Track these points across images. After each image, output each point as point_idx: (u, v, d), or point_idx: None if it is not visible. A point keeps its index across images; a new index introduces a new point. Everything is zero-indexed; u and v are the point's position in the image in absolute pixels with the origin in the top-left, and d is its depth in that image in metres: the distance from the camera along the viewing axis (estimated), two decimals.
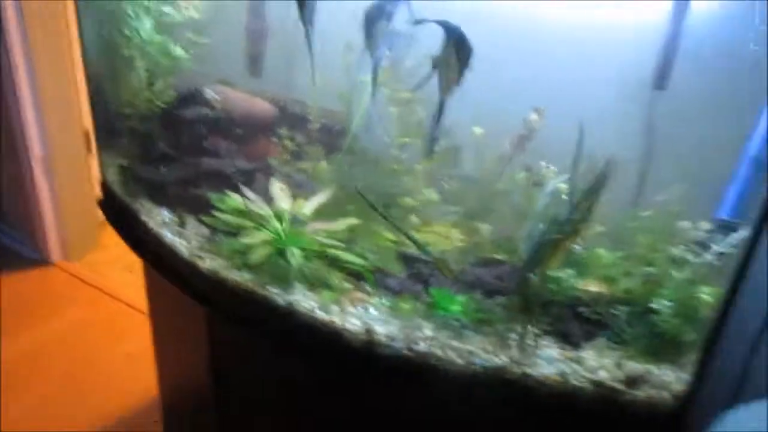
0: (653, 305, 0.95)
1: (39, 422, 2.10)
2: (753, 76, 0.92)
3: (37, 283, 2.75)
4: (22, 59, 2.39)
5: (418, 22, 0.94)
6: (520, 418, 1.01)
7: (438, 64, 0.95)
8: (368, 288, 1.10)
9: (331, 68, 1.19)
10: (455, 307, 1.03)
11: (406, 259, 1.13)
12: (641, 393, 0.95)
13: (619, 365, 0.98)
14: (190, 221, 1.24)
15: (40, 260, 2.83)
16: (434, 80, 1.00)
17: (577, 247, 1.00)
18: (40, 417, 2.12)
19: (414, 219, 1.17)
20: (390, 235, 1.14)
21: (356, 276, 1.11)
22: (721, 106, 0.99)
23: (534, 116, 1.12)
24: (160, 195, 1.30)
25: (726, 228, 0.93)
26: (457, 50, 0.92)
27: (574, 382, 0.96)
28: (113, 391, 2.24)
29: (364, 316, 1.06)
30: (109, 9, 1.23)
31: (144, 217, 1.30)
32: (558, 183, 1.00)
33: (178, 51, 1.21)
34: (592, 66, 1.08)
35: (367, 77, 1.18)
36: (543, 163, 1.08)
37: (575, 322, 1.01)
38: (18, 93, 2.44)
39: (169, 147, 1.30)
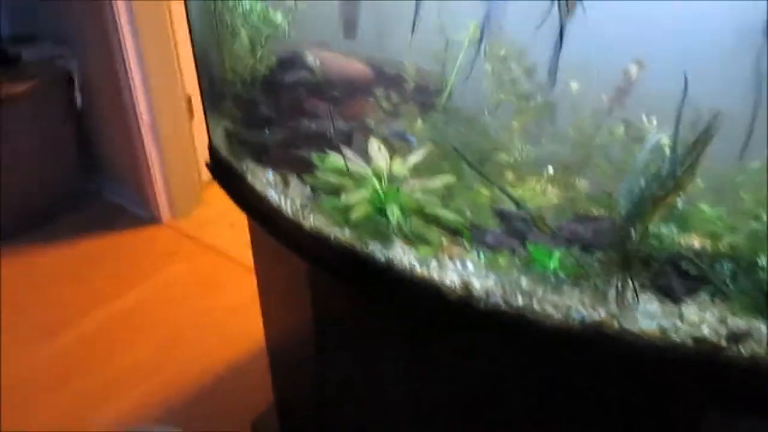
0: (759, 261, 0.93)
1: (148, 370, 2.28)
2: None
3: (148, 239, 2.96)
4: (130, 34, 2.54)
5: None
6: (618, 373, 1.03)
7: None
8: (465, 243, 1.13)
9: (424, 28, 1.21)
10: (552, 262, 1.04)
11: (502, 215, 1.14)
12: (745, 349, 0.94)
13: (722, 321, 0.97)
14: (293, 181, 1.30)
15: (150, 218, 3.03)
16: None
17: (679, 201, 0.98)
18: (149, 365, 2.31)
19: (509, 175, 1.18)
20: (486, 191, 1.16)
21: (453, 232, 1.14)
22: None
23: (633, 68, 1.09)
24: (264, 156, 1.37)
25: None
26: None
27: (675, 338, 0.96)
28: (216, 341, 2.40)
29: (461, 270, 1.09)
30: None
31: (250, 178, 1.38)
32: (659, 137, 0.99)
33: (278, 17, 1.26)
34: (698, 13, 1.04)
35: (461, 36, 1.19)
36: (643, 117, 1.06)
37: (676, 277, 1.00)
38: (127, 66, 2.60)
39: (271, 110, 1.36)
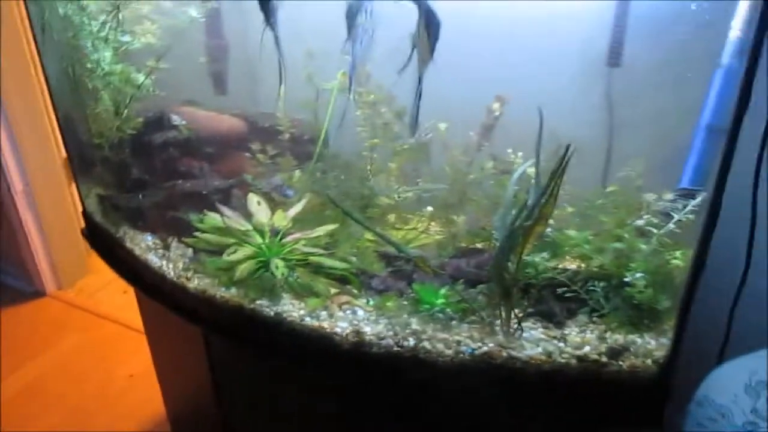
0: (627, 278, 0.98)
1: None
2: (699, 47, 0.95)
3: (33, 314, 2.75)
4: None
5: None
6: (510, 399, 1.04)
7: (414, 40, 0.98)
8: (353, 290, 1.12)
9: (292, 78, 1.21)
10: (439, 300, 1.05)
11: (388, 258, 1.15)
12: (625, 363, 0.98)
13: (601, 339, 1.01)
14: (174, 243, 1.25)
15: (33, 291, 2.83)
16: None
17: (548, 229, 1.02)
18: None
19: (392, 217, 1.20)
20: (370, 236, 1.17)
21: (341, 280, 1.13)
22: (674, 78, 1.02)
23: (496, 105, 1.14)
24: (140, 221, 1.32)
25: (688, 196, 0.96)
26: (426, 24, 0.95)
27: (560, 360, 0.99)
28: (120, 414, 2.25)
29: (352, 318, 1.08)
30: (68, 43, 1.24)
31: (128, 244, 1.32)
32: (524, 169, 1.03)
33: (140, 78, 1.22)
34: (548, 53, 1.10)
35: (330, 84, 1.21)
36: (509, 151, 1.10)
37: (555, 301, 1.04)
38: None
39: (143, 173, 1.32)
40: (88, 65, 1.22)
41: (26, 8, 1.29)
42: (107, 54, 1.20)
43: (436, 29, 0.92)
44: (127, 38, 1.19)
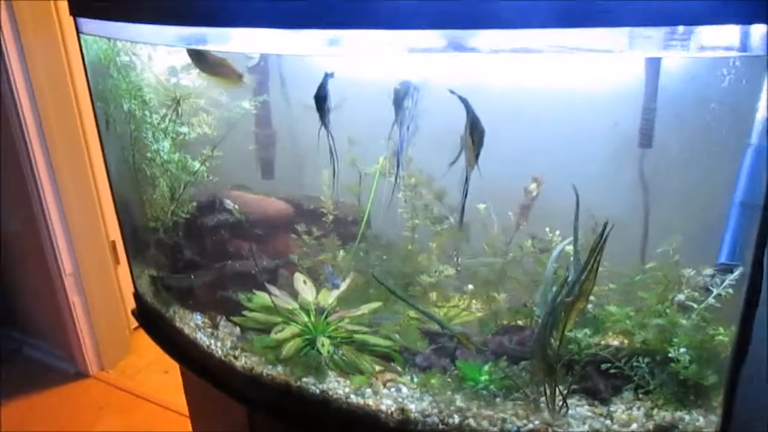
0: (671, 354, 0.98)
1: None
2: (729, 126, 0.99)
3: (76, 395, 2.79)
4: (49, 184, 2.53)
5: (452, 91, 0.99)
6: None
7: (462, 142, 1.03)
8: (397, 367, 1.14)
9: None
10: (482, 377, 1.06)
11: (431, 335, 1.17)
12: None
13: (648, 416, 1.00)
14: (222, 322, 1.30)
15: (77, 372, 2.88)
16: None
17: (589, 305, 1.04)
18: None
19: (433, 295, 1.23)
20: (413, 314, 1.20)
21: (385, 357, 1.15)
22: (706, 157, 1.05)
23: (533, 185, 1.18)
24: (190, 300, 1.37)
25: (726, 271, 0.97)
26: (471, 132, 1.00)
27: None
28: None
29: (396, 395, 1.10)
30: (130, 135, 1.34)
31: (178, 323, 1.36)
32: (563, 247, 1.06)
33: (196, 165, 1.30)
34: (581, 134, 1.15)
35: (372, 168, 1.27)
36: (547, 229, 1.13)
37: (600, 378, 1.04)
38: (47, 215, 2.57)
39: (195, 254, 1.38)
40: (148, 154, 1.31)
41: (92, 103, 1.40)
42: (166, 144, 1.29)
43: (481, 137, 0.97)
44: (184, 129, 1.29)
